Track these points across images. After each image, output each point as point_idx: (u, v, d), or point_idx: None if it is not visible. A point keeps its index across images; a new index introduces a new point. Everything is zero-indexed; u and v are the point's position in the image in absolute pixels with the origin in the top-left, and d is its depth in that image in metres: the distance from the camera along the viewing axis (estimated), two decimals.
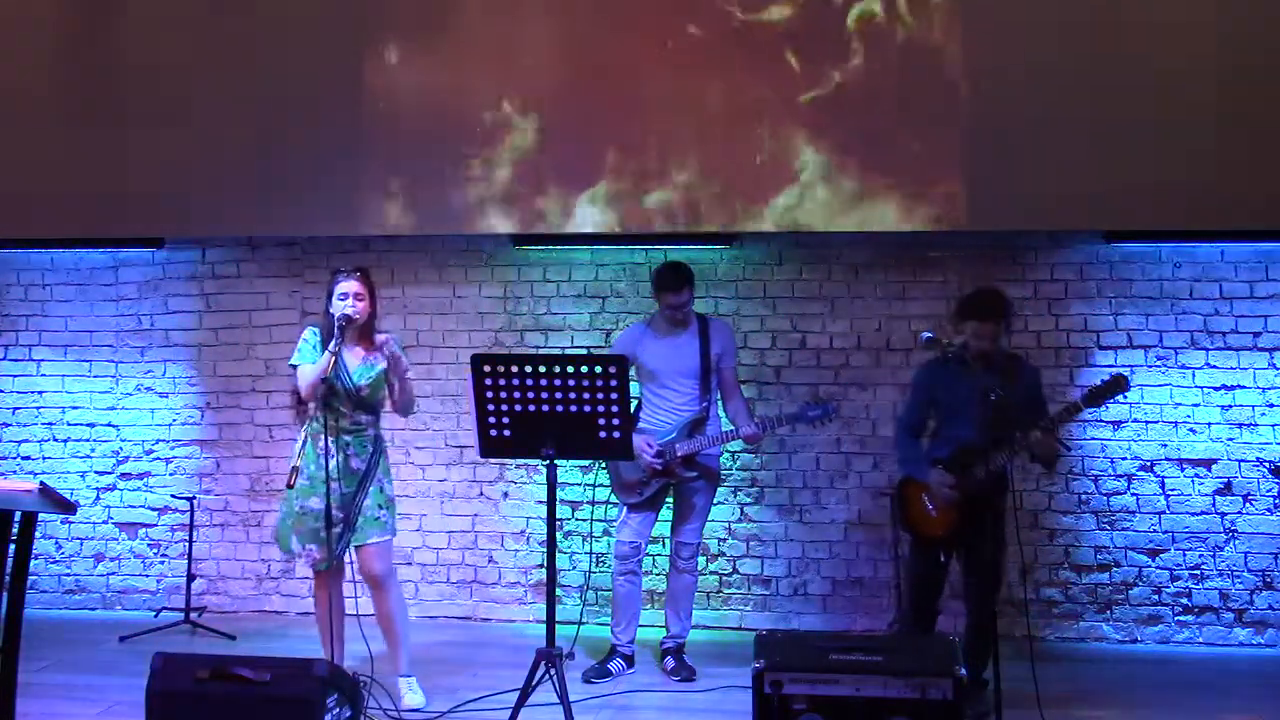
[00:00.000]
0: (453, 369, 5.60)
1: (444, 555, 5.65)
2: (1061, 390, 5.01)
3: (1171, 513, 5.23)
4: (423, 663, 4.35)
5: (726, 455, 5.20)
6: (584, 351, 5.37)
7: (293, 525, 4.05)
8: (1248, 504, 5.18)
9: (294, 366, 4.09)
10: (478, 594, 5.62)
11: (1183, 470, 5.22)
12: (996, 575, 4.03)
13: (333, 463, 3.99)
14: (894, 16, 4.91)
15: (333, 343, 3.90)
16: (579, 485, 5.45)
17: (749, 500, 5.46)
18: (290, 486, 3.81)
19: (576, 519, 5.52)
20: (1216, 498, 5.20)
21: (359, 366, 4.06)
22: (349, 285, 4.04)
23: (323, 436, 3.97)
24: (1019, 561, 4.84)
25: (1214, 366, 5.22)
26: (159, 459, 5.84)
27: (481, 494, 5.64)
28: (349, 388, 4.03)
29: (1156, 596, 5.22)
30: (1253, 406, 5.19)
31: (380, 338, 4.10)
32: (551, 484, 3.66)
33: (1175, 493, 5.22)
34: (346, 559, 4.11)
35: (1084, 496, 5.27)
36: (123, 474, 5.85)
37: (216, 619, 5.44)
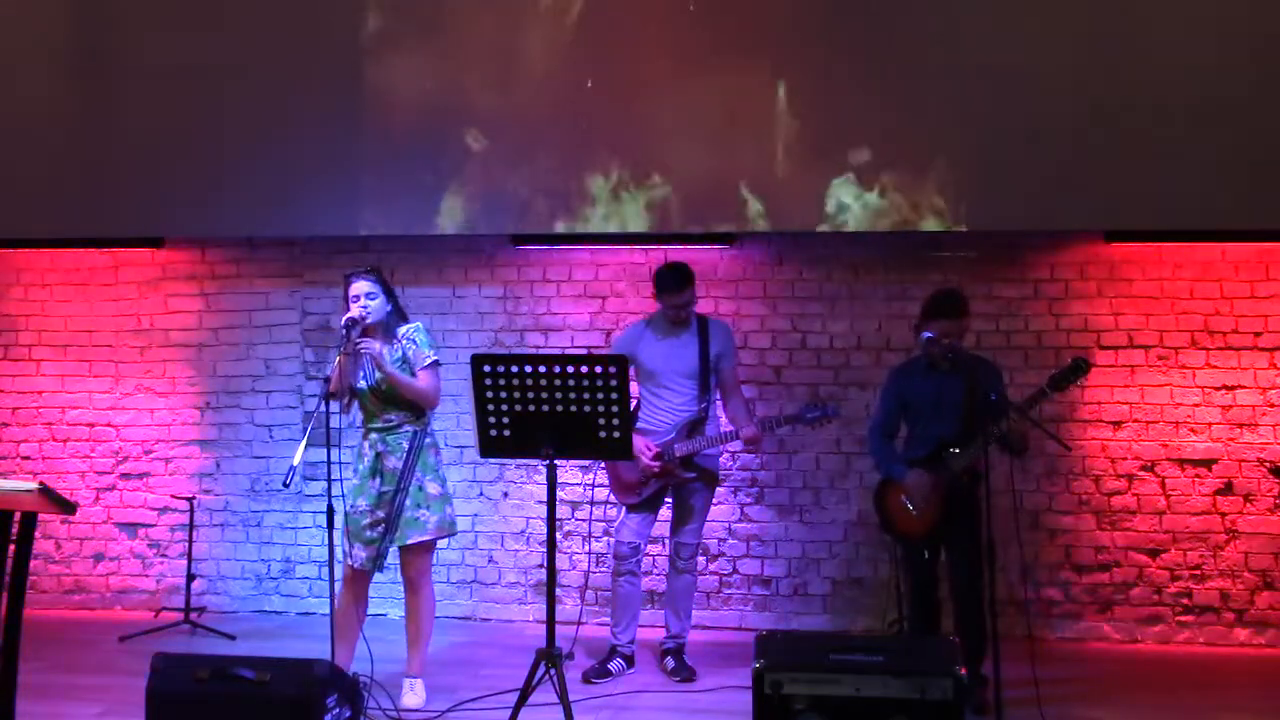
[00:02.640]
0: (453, 369, 5.59)
1: (444, 555, 5.63)
2: (1049, 373, 5.00)
3: (1172, 513, 5.22)
4: (425, 666, 4.33)
5: (727, 455, 5.20)
6: (584, 351, 5.37)
7: (349, 529, 4.05)
8: (1248, 504, 5.18)
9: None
10: (478, 594, 5.62)
11: (1183, 470, 5.22)
12: (978, 569, 4.05)
13: (365, 461, 4.07)
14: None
15: (342, 345, 3.94)
16: (579, 485, 5.46)
17: (749, 500, 5.46)
18: (286, 486, 3.82)
19: (576, 519, 5.52)
20: (1217, 498, 5.20)
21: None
22: (358, 286, 4.07)
23: (361, 437, 4.09)
24: (1019, 561, 4.86)
25: (1214, 366, 5.22)
26: (159, 459, 5.84)
27: (481, 494, 5.64)
28: (371, 385, 4.05)
29: (1157, 596, 5.21)
30: (1253, 406, 5.19)
31: (403, 329, 4.13)
32: (551, 484, 3.65)
33: (1175, 493, 5.22)
34: (389, 560, 4.13)
35: (1084, 496, 5.27)
36: (123, 474, 5.86)
37: (216, 619, 5.44)
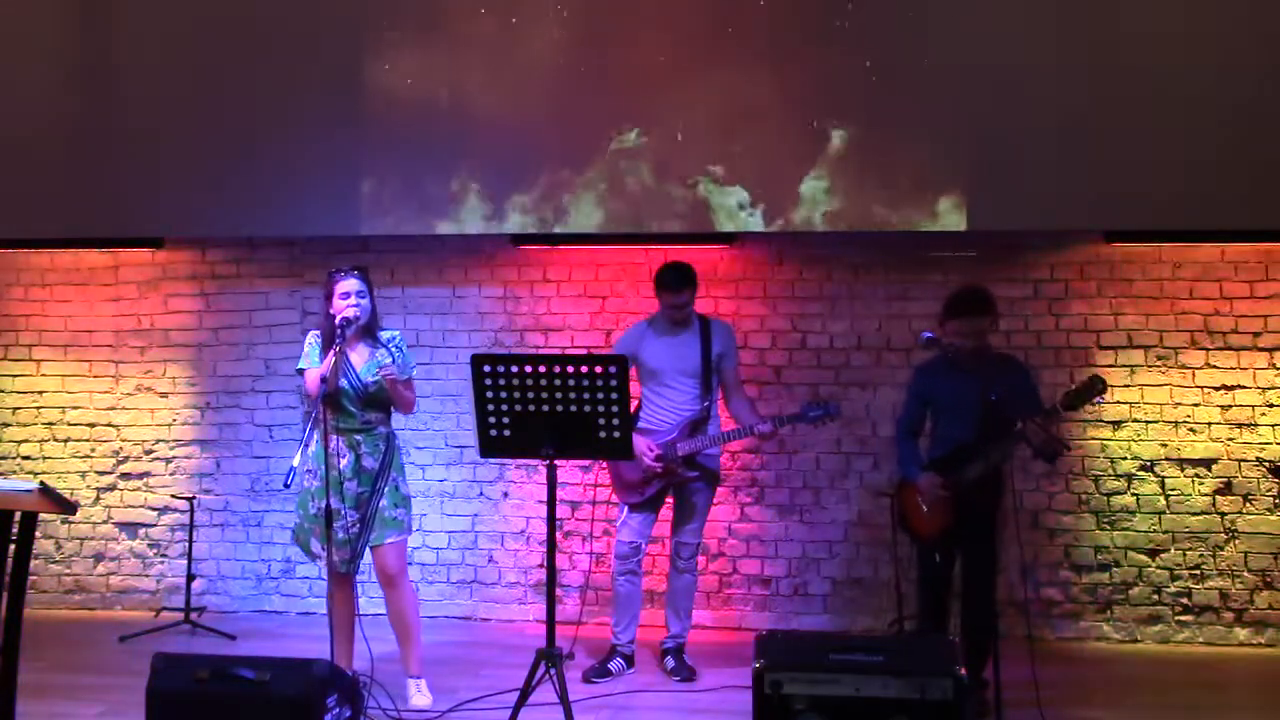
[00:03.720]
0: (453, 369, 5.61)
1: (444, 555, 5.65)
2: (1063, 390, 5.00)
3: (1171, 512, 5.22)
4: (423, 662, 4.35)
5: (727, 455, 5.20)
6: (584, 351, 5.38)
7: (310, 527, 4.06)
8: (1248, 504, 5.18)
9: (300, 371, 4.12)
10: (478, 594, 5.62)
11: (1183, 470, 5.22)
12: (989, 575, 4.03)
13: (344, 462, 4.02)
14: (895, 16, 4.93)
15: (335, 344, 3.90)
16: (579, 485, 5.46)
17: (749, 500, 5.46)
18: (287, 486, 3.80)
19: (576, 519, 5.52)
20: (1216, 497, 5.20)
21: (365, 365, 4.06)
22: (349, 285, 4.04)
23: (332, 437, 3.98)
24: (1019, 561, 4.86)
25: (1214, 366, 5.22)
26: (159, 459, 5.84)
27: (481, 494, 5.64)
28: (356, 387, 4.03)
29: (1156, 596, 5.22)
30: (1253, 406, 5.19)
31: (385, 335, 4.12)
32: (551, 484, 3.66)
33: (1175, 493, 5.22)
34: (364, 559, 4.13)
35: (1084, 496, 5.27)
36: (123, 474, 5.86)
37: (216, 619, 5.44)
